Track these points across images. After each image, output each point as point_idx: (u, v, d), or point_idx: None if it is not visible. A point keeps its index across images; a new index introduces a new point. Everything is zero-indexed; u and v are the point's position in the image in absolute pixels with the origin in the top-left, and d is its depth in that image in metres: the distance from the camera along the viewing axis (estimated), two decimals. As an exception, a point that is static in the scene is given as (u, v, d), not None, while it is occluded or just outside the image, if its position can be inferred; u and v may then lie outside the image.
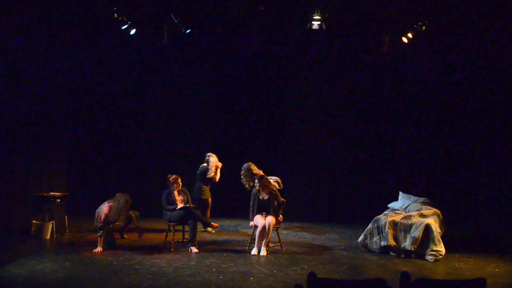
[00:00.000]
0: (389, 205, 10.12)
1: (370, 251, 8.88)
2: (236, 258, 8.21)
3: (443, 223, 9.19)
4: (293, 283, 5.14)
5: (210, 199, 10.34)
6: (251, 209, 8.83)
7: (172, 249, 8.62)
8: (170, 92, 12.47)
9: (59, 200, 9.64)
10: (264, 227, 8.53)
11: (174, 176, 9.24)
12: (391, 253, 8.70)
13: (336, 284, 4.48)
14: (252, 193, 8.89)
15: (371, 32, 10.77)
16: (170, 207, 8.82)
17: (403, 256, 8.58)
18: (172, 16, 9.85)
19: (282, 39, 11.85)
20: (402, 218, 8.77)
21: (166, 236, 8.92)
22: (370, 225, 8.96)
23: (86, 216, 11.23)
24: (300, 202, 11.94)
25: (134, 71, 12.20)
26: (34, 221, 9.19)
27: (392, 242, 8.60)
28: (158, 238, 9.53)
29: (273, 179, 9.54)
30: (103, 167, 12.13)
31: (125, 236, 9.58)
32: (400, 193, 10.37)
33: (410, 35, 10.27)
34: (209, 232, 10.02)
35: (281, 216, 8.95)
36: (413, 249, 8.44)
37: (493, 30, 9.82)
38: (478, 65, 10.78)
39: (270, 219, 8.61)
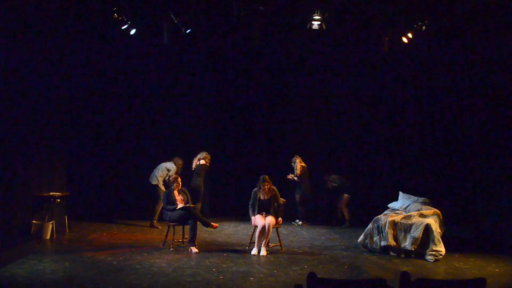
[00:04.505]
0: (389, 205, 10.12)
1: (370, 251, 8.88)
2: (236, 258, 8.20)
3: (443, 223, 9.19)
4: (293, 283, 5.13)
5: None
6: (250, 207, 8.81)
7: (172, 249, 8.62)
8: (170, 92, 12.48)
9: (59, 200, 9.65)
10: (264, 227, 8.52)
11: (173, 175, 9.24)
12: (391, 253, 8.70)
13: (336, 284, 4.48)
14: (252, 192, 8.88)
15: (371, 32, 10.78)
16: (170, 207, 8.81)
17: (403, 256, 8.58)
18: (172, 16, 9.85)
19: (282, 39, 11.85)
20: (402, 218, 8.77)
21: (166, 236, 8.92)
22: (370, 225, 8.96)
23: (86, 216, 11.28)
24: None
25: (134, 71, 12.20)
26: (34, 221, 9.19)
27: (392, 242, 8.60)
28: (158, 238, 9.53)
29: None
30: (103, 167, 12.13)
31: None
32: (400, 193, 10.36)
33: (410, 35, 10.28)
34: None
35: (280, 218, 8.94)
36: (413, 249, 8.43)
37: (493, 30, 9.81)
38: (479, 65, 10.77)
39: (270, 219, 8.61)
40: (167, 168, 10.70)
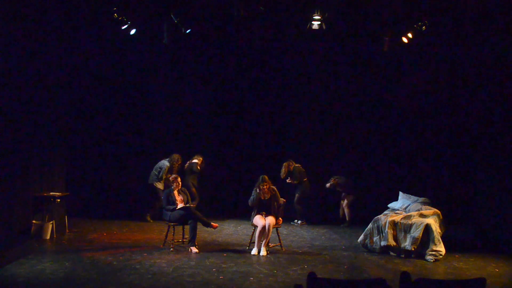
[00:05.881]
0: (389, 205, 10.12)
1: (370, 251, 8.88)
2: (236, 258, 8.20)
3: (443, 223, 9.19)
4: (293, 283, 5.13)
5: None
6: (250, 204, 8.80)
7: (172, 249, 8.62)
8: (170, 92, 12.48)
9: (59, 200, 9.64)
10: (264, 227, 8.52)
11: (173, 175, 9.25)
12: (391, 253, 8.70)
13: (336, 284, 4.48)
14: (253, 192, 8.88)
15: (371, 32, 10.77)
16: (170, 207, 8.81)
17: (403, 256, 8.57)
18: (172, 16, 9.85)
19: (282, 39, 11.85)
20: (402, 218, 8.77)
21: (166, 236, 8.92)
22: (370, 225, 8.96)
23: (86, 216, 11.28)
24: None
25: (134, 71, 12.20)
26: (34, 221, 9.18)
27: (392, 242, 8.60)
28: (158, 238, 9.53)
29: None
30: (103, 167, 12.13)
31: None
32: (400, 193, 10.36)
33: (410, 35, 10.28)
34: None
35: (280, 219, 8.95)
36: (413, 249, 8.43)
37: (493, 30, 9.81)
38: (479, 65, 10.77)
39: (270, 219, 8.61)
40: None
